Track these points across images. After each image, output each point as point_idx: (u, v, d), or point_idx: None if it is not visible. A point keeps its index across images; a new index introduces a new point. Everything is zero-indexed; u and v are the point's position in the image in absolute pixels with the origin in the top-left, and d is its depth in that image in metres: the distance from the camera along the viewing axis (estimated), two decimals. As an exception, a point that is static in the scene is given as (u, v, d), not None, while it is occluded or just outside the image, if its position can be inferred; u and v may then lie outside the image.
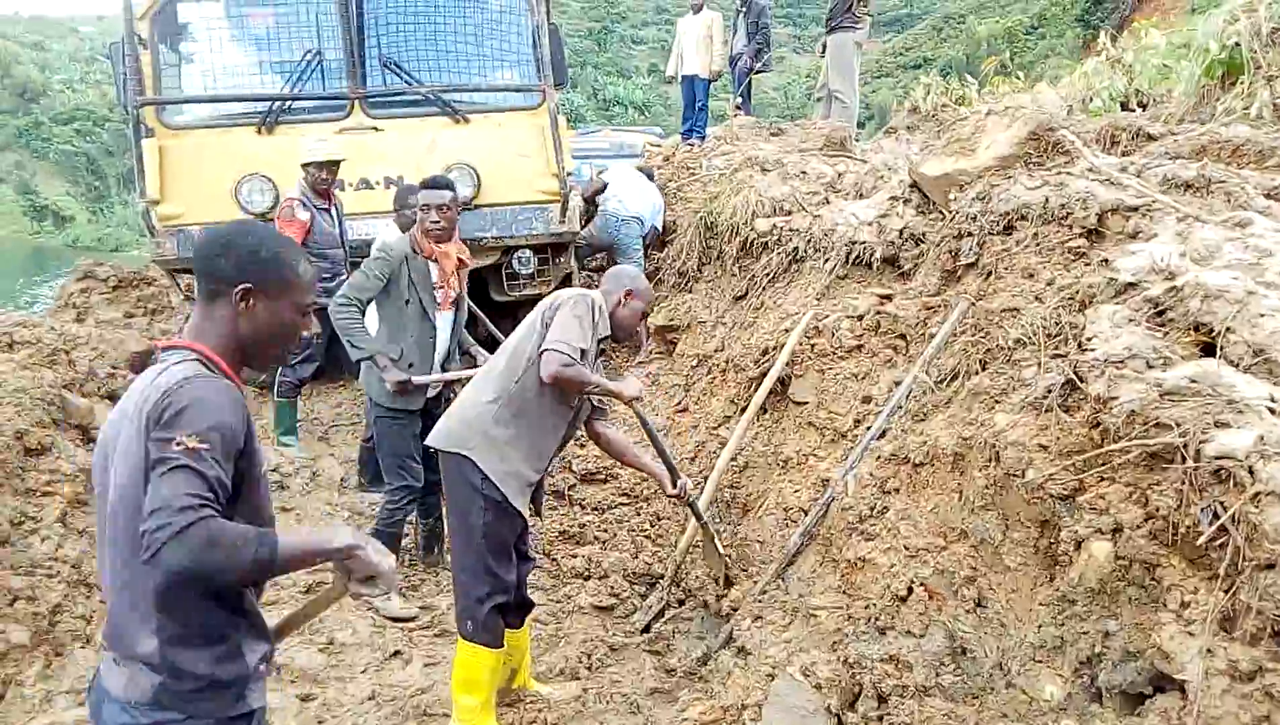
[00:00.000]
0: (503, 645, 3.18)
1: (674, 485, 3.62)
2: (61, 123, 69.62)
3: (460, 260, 4.41)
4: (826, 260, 5.02)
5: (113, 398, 5.31)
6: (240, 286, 1.68)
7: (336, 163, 5.33)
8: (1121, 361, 2.67)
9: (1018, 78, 11.05)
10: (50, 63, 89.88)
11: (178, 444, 1.49)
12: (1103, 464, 2.56)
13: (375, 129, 5.99)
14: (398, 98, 6.11)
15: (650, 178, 7.71)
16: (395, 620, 4.19)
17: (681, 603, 4.23)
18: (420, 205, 4.22)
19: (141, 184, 5.66)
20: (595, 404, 3.42)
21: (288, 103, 5.91)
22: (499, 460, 3.06)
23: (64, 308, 7.35)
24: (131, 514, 1.56)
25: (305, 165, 5.23)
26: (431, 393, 4.38)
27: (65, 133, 67.20)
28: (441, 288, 4.31)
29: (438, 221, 4.15)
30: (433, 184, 4.21)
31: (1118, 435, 2.52)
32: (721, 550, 4.07)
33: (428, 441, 3.30)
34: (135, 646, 1.62)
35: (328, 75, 6.04)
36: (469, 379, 3.74)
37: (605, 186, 7.33)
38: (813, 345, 4.49)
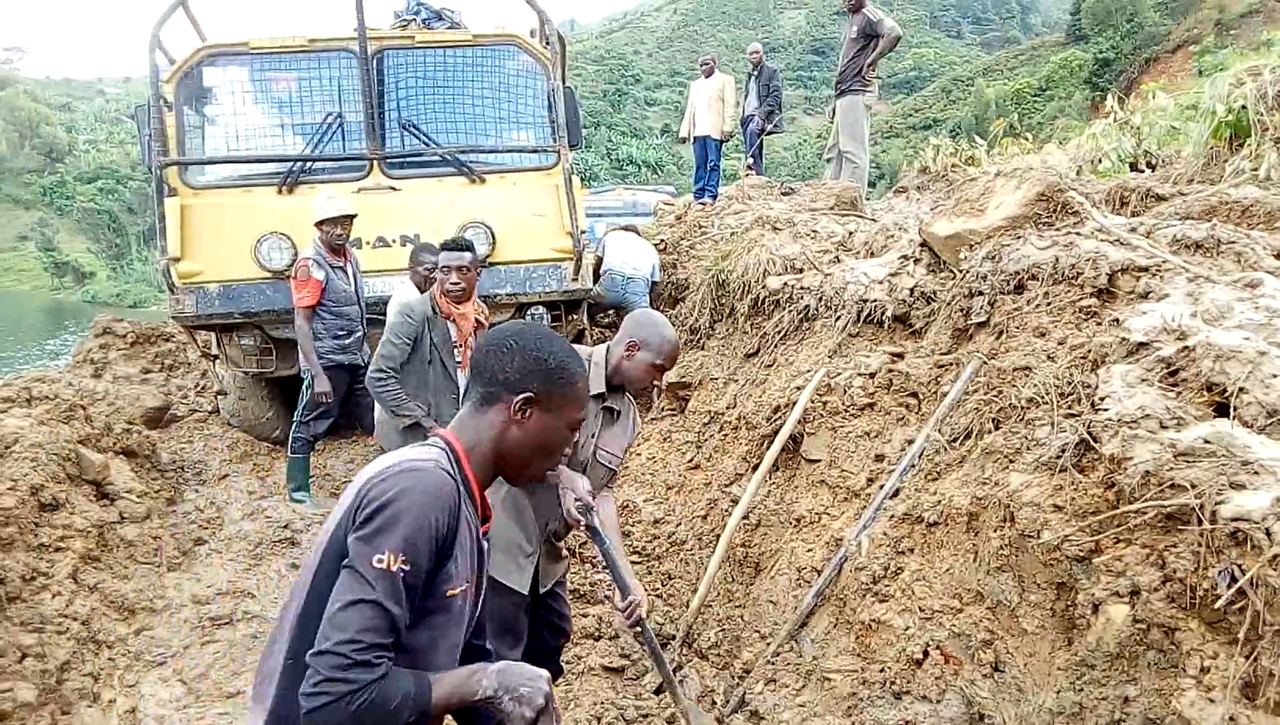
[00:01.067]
0: None
1: (622, 599, 2.98)
2: (85, 181, 71.30)
3: (479, 321, 4.46)
4: (838, 318, 5.04)
5: (129, 453, 5.35)
6: (521, 395, 1.64)
7: (350, 218, 5.42)
8: (1135, 421, 2.66)
9: (1026, 139, 11.19)
10: (76, 123, 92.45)
11: (379, 561, 1.44)
12: (1118, 525, 2.53)
13: (393, 189, 6.11)
14: (415, 158, 6.25)
15: (638, 233, 7.91)
16: None
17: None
18: (440, 266, 4.28)
19: (163, 242, 5.77)
20: (603, 462, 3.24)
21: (308, 163, 6.05)
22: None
23: (82, 363, 7.43)
24: (314, 591, 1.53)
25: (319, 223, 5.32)
26: None
27: (89, 191, 68.78)
28: (460, 347, 4.35)
29: (458, 283, 4.22)
30: (453, 246, 4.28)
31: (1133, 496, 2.50)
32: (683, 703, 3.32)
33: None
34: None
35: (347, 137, 6.19)
36: None
37: (602, 257, 7.51)
38: (824, 403, 4.49)
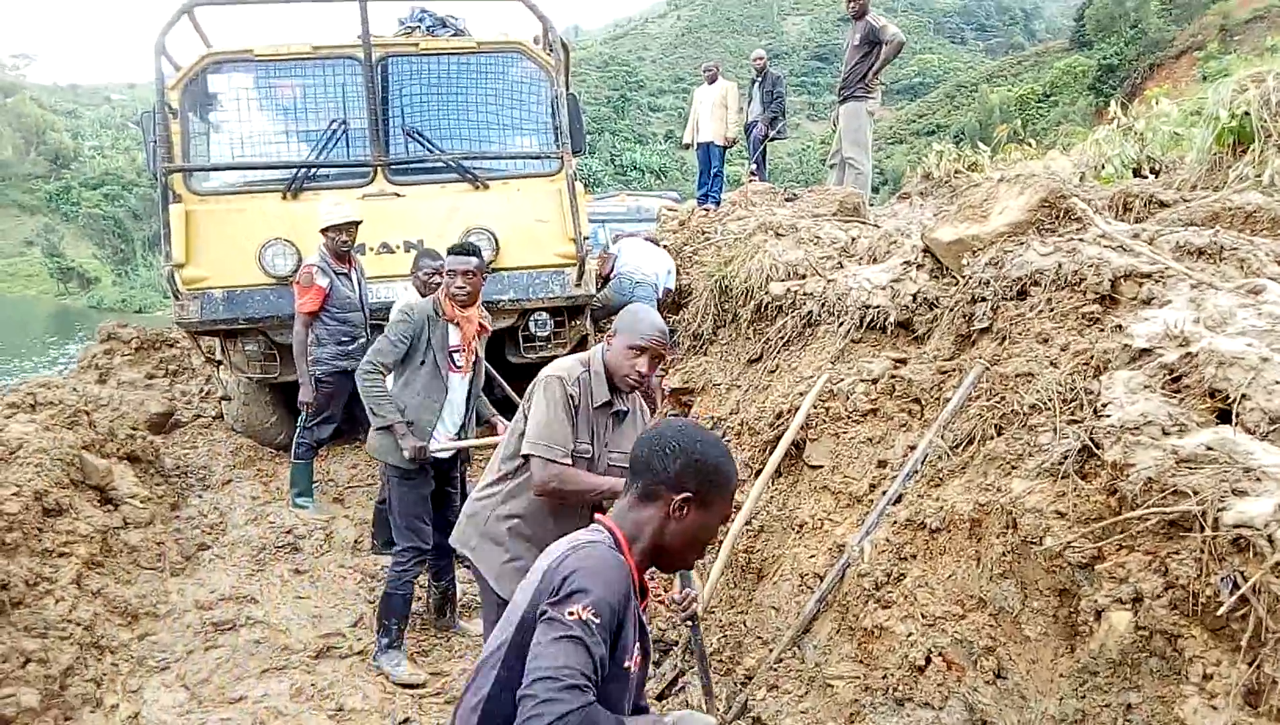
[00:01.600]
0: None
1: (680, 589, 2.84)
2: (91, 187, 71.54)
3: (481, 325, 4.47)
4: (840, 324, 5.04)
5: (133, 459, 5.37)
6: (682, 495, 1.74)
7: (355, 225, 5.43)
8: (1137, 428, 2.66)
9: (1030, 145, 11.19)
10: (82, 129, 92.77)
11: (571, 614, 1.54)
12: (1121, 532, 2.53)
13: (397, 195, 6.13)
14: (419, 165, 6.26)
15: (656, 244, 7.87)
16: (405, 686, 4.14)
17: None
18: (447, 270, 4.29)
19: (168, 247, 5.79)
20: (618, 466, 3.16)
21: (312, 170, 6.07)
22: (500, 554, 3.03)
23: (87, 368, 7.46)
24: (504, 668, 1.67)
25: (324, 229, 5.33)
26: (445, 455, 4.39)
27: (94, 197, 69.00)
28: (461, 351, 4.36)
29: (463, 287, 4.23)
30: (460, 250, 4.30)
31: (1135, 502, 2.49)
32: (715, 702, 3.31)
33: (450, 541, 3.28)
34: None
35: (352, 143, 6.21)
36: (485, 447, 3.72)
37: (614, 261, 7.49)
38: (827, 408, 4.49)
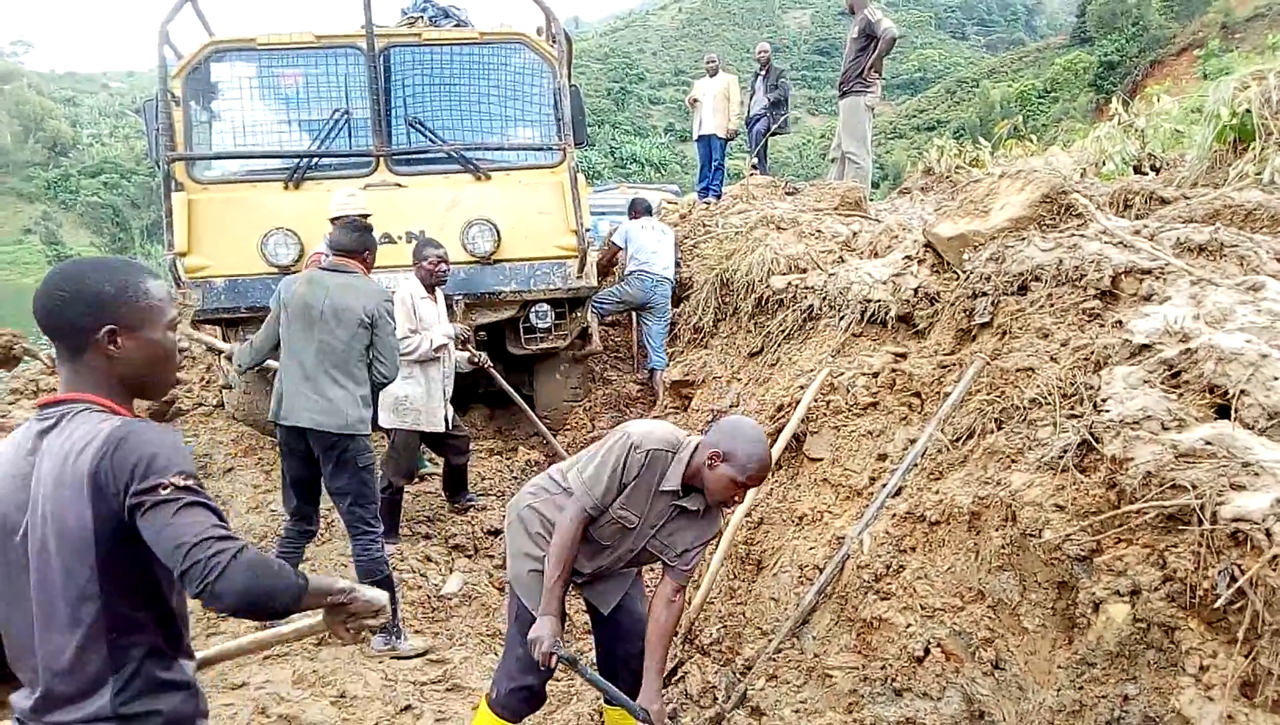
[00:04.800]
0: (517, 722, 3.13)
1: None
2: (89, 175, 71.34)
3: None
4: (841, 318, 5.06)
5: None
6: (103, 331, 1.61)
7: (366, 216, 5.45)
8: (1137, 422, 2.68)
9: (1031, 141, 11.20)
10: (81, 117, 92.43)
11: (165, 487, 1.50)
12: (1120, 525, 2.55)
13: (399, 185, 6.13)
14: (421, 155, 6.27)
15: (650, 212, 7.82)
16: (408, 658, 4.21)
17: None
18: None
19: (170, 236, 5.80)
20: (667, 561, 3.05)
21: (314, 159, 6.07)
22: (523, 562, 3.06)
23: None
24: (74, 572, 1.53)
25: (334, 219, 5.32)
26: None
27: (92, 185, 68.82)
28: None
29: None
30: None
31: (1134, 496, 2.52)
32: None
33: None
34: (79, 709, 1.57)
35: (354, 133, 6.21)
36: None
37: (618, 250, 7.45)
38: (828, 402, 4.51)
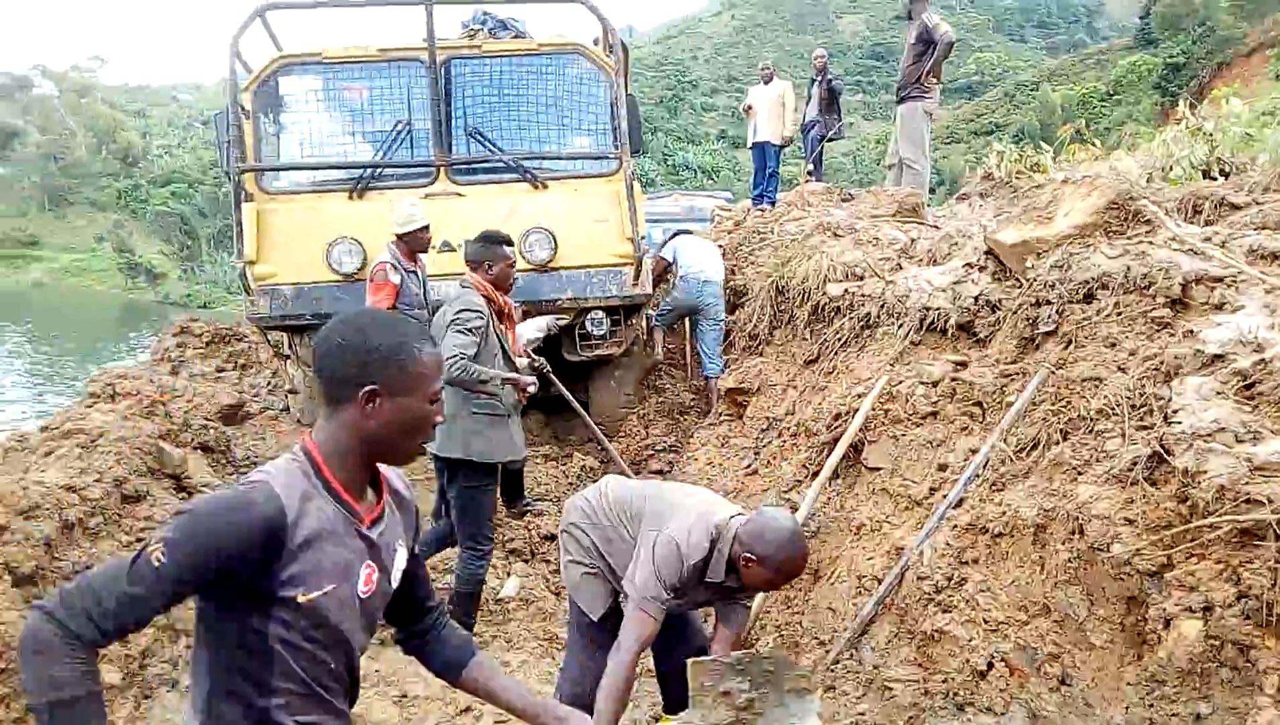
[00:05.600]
0: None
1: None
2: (159, 185, 73.60)
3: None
4: (900, 326, 5.02)
5: (206, 448, 5.55)
6: (366, 389, 1.60)
7: (427, 227, 5.55)
8: (1209, 435, 2.62)
9: (1094, 145, 10.96)
10: (151, 129, 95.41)
11: (148, 549, 1.44)
12: (1192, 540, 2.50)
13: (459, 194, 6.23)
14: (480, 165, 6.37)
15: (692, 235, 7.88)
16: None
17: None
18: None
19: (239, 245, 5.96)
20: (720, 607, 3.05)
21: (377, 170, 6.21)
22: (575, 568, 3.11)
23: (160, 361, 7.71)
24: None
25: (401, 235, 5.38)
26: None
27: (161, 195, 70.98)
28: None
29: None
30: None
31: (1207, 510, 2.46)
32: None
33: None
34: None
35: (416, 144, 6.33)
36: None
37: (669, 266, 7.50)
38: (886, 411, 4.47)
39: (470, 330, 4.28)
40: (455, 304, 4.38)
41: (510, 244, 4.62)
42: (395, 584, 1.79)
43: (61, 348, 28.39)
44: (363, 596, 1.68)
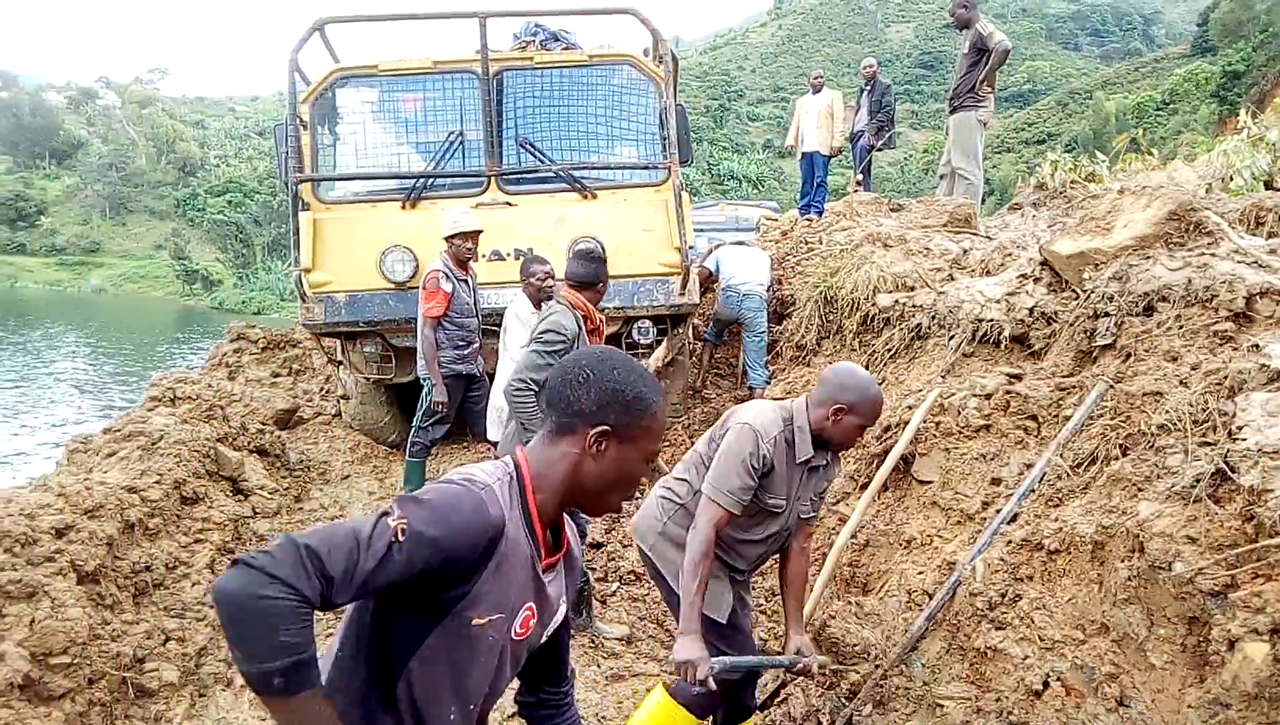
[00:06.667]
0: (704, 718, 3.18)
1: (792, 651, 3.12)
2: (215, 194, 75.50)
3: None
4: (951, 337, 4.96)
5: (261, 452, 5.67)
6: (598, 429, 1.55)
7: (478, 233, 5.63)
8: (1276, 452, 2.55)
9: (1151, 154, 10.74)
10: (208, 139, 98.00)
11: (382, 515, 1.37)
12: (1258, 559, 2.43)
13: (509, 204, 6.31)
14: (531, 175, 6.44)
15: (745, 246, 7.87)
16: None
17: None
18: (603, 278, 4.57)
19: (296, 253, 6.10)
20: (801, 514, 3.14)
21: (430, 180, 6.31)
22: (678, 556, 3.04)
23: (217, 366, 7.90)
24: None
25: (450, 237, 5.50)
26: None
27: (218, 203, 72.79)
28: None
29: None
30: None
31: (1274, 530, 2.40)
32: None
33: (630, 526, 3.38)
34: None
35: (468, 154, 6.43)
36: None
37: (711, 274, 7.50)
38: (938, 423, 4.42)
39: (552, 353, 4.25)
40: (546, 321, 4.34)
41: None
42: (544, 639, 1.72)
43: (121, 352, 29.22)
44: (516, 638, 1.60)
